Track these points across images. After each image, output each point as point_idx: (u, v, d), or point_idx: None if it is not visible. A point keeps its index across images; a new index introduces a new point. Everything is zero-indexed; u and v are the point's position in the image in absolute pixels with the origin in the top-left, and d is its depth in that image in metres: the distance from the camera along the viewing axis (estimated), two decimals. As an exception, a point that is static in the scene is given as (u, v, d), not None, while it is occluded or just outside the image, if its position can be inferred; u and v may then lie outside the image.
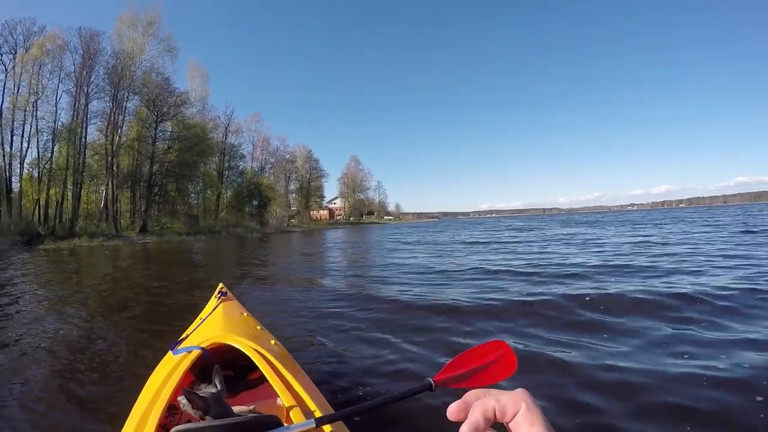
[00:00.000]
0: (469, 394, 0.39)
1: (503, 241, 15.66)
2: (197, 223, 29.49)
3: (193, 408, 1.24)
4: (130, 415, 1.57)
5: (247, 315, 2.88)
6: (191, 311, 3.36)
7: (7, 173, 23.29)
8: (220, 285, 3.43)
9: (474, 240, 17.09)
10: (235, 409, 1.42)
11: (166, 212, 29.17)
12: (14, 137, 23.89)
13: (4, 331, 4.99)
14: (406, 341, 3.63)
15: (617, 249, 10.27)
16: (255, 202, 33.99)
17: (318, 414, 1.42)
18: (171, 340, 2.25)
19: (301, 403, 1.52)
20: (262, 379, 2.00)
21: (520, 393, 0.38)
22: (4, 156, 23.39)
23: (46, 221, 23.98)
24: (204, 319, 2.63)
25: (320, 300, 5.92)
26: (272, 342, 2.24)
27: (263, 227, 32.22)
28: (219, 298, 3.10)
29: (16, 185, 23.75)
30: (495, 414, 0.37)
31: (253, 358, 1.80)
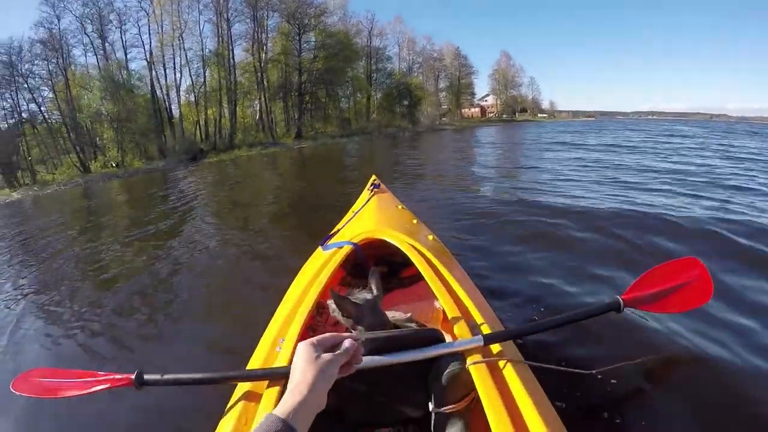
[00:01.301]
0: None
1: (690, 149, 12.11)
2: (349, 126, 30.27)
3: (343, 315, 1.13)
4: (277, 311, 1.57)
5: (402, 208, 2.74)
6: (344, 206, 3.38)
7: (167, 102, 26.46)
8: (373, 177, 3.34)
9: (643, 145, 13.67)
10: (390, 314, 1.25)
11: (318, 118, 30.33)
12: (167, 70, 26.65)
13: (180, 228, 6.12)
14: (579, 251, 3.25)
15: None
16: (405, 102, 33.36)
17: (485, 328, 1.21)
18: (323, 235, 2.19)
19: (464, 311, 1.32)
20: (418, 278, 1.83)
21: None
22: (161, 88, 26.35)
23: (207, 138, 26.58)
24: (356, 213, 2.52)
25: (476, 200, 5.54)
26: (430, 237, 2.06)
27: (414, 126, 31.67)
28: (372, 190, 2.98)
29: (176, 111, 26.85)
30: None
31: (408, 254, 1.66)
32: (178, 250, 4.86)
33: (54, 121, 24.33)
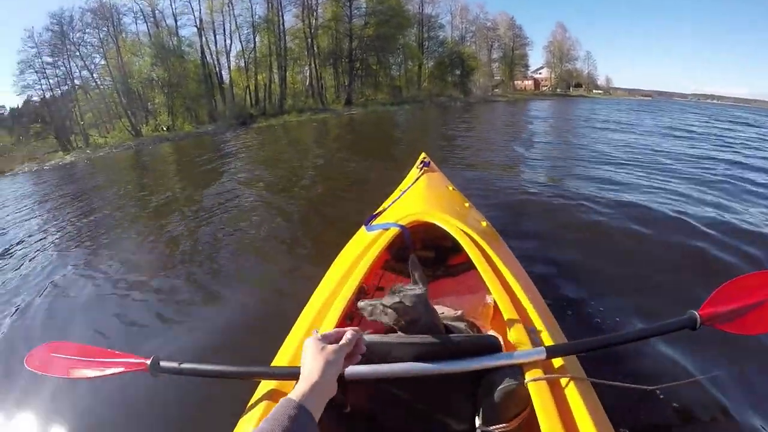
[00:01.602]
0: None
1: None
2: (400, 94, 29.63)
3: (397, 320, 1.01)
4: (313, 296, 1.50)
5: (453, 189, 2.63)
6: (391, 179, 3.24)
7: (217, 68, 26.40)
8: (423, 154, 3.26)
9: (706, 132, 12.00)
10: (438, 310, 1.14)
11: (369, 85, 29.78)
12: (217, 36, 26.44)
13: (223, 191, 6.26)
14: (644, 254, 3.00)
15: None
16: (457, 72, 32.11)
17: (545, 337, 1.12)
18: (369, 210, 2.19)
19: (521, 312, 1.21)
20: (467, 267, 1.83)
21: None
22: (211, 54, 26.30)
23: (256, 103, 26.48)
24: (404, 192, 2.43)
25: (530, 186, 5.07)
26: (483, 224, 1.98)
27: (466, 96, 30.56)
28: (421, 168, 2.88)
29: (226, 77, 26.69)
30: None
31: (459, 240, 1.57)
32: (219, 214, 5.02)
33: (106, 87, 24.65)
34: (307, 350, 0.79)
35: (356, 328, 0.89)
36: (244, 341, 2.28)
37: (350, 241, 2.03)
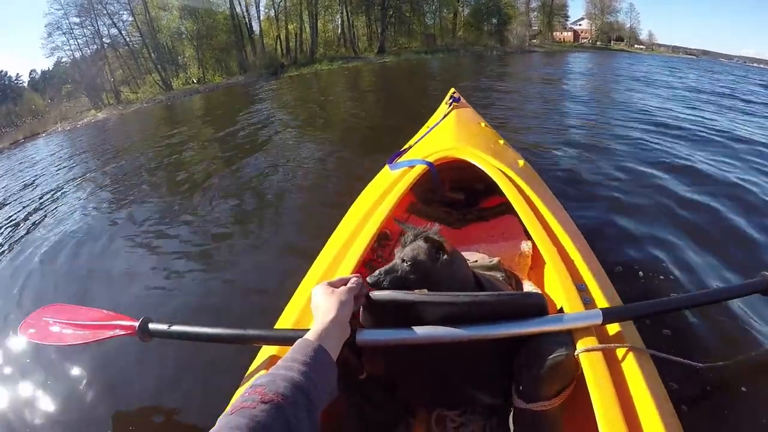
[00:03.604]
0: None
1: None
2: (434, 42, 28.58)
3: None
4: (329, 242, 1.39)
5: (486, 126, 2.47)
6: (419, 120, 3.00)
7: (247, 19, 25.83)
8: (452, 89, 3.13)
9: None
10: (470, 257, 1.07)
11: (402, 33, 28.81)
12: None
13: (251, 138, 6.37)
14: (702, 213, 2.61)
15: None
16: (494, 20, 30.64)
17: (598, 297, 0.96)
18: (391, 150, 2.04)
19: (569, 265, 1.03)
20: (501, 210, 1.75)
21: None
22: (240, 4, 25.72)
23: (288, 53, 26.02)
24: (432, 128, 2.28)
25: (575, 133, 4.78)
26: (521, 163, 1.76)
27: (502, 46, 29.34)
28: (450, 104, 2.70)
29: (256, 28, 26.23)
30: None
31: (496, 179, 1.42)
32: (246, 158, 5.08)
33: (135, 43, 24.55)
34: (317, 294, 0.80)
35: (358, 275, 0.85)
36: (249, 297, 2.15)
37: (372, 181, 1.88)
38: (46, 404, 1.67)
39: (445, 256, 0.85)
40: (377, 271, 0.87)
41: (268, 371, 0.62)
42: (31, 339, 1.21)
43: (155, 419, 1.54)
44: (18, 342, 2.01)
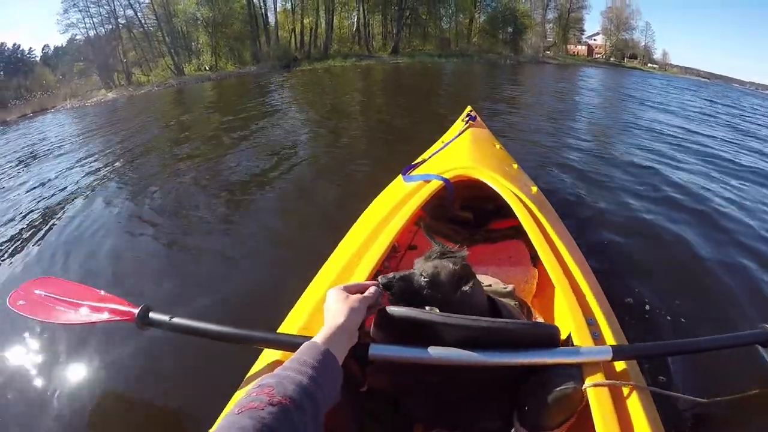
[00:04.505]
0: None
1: None
2: (449, 47, 28.59)
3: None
4: (337, 249, 1.40)
5: (500, 148, 2.48)
6: (434, 132, 3.10)
7: (263, 9, 25.84)
8: (468, 108, 3.11)
9: None
10: (483, 281, 1.02)
11: (417, 35, 28.84)
12: None
13: (258, 130, 6.27)
14: (707, 261, 2.49)
15: None
16: (509, 29, 30.65)
17: (606, 332, 0.97)
18: (407, 160, 2.09)
19: (579, 297, 1.04)
20: (510, 234, 1.76)
21: None
22: None
23: (302, 47, 26.07)
24: (447, 144, 2.30)
25: (592, 164, 4.43)
26: (534, 189, 1.75)
27: (516, 55, 29.32)
28: (467, 122, 2.68)
29: (272, 19, 26.27)
30: None
31: (509, 202, 1.41)
32: (252, 150, 5.08)
33: (150, 26, 24.63)
34: (330, 297, 0.80)
35: (377, 286, 0.84)
36: (256, 295, 2.12)
37: (385, 189, 1.91)
38: (32, 389, 1.64)
39: (468, 288, 0.83)
40: (392, 274, 0.85)
41: (276, 371, 0.62)
42: (20, 311, 1.14)
43: (146, 412, 1.52)
44: (5, 314, 1.79)
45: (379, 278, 0.85)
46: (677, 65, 45.73)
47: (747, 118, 10.48)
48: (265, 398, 0.54)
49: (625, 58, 37.80)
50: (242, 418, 0.51)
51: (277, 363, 0.88)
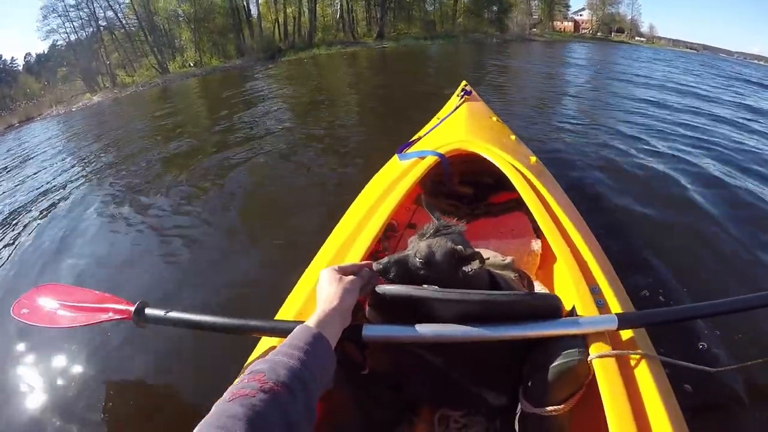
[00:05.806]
0: None
1: None
2: (434, 29, 28.38)
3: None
4: (334, 233, 1.36)
5: (497, 120, 2.43)
6: (426, 111, 3.03)
7: (245, 2, 25.52)
8: (463, 82, 3.07)
9: None
10: (482, 254, 0.85)
11: (401, 19, 28.58)
12: None
13: (247, 123, 6.19)
14: (718, 222, 2.46)
15: None
16: (494, 8, 30.41)
17: (612, 302, 0.92)
18: (401, 141, 2.02)
19: (582, 266, 1.00)
20: (511, 207, 1.75)
21: None
22: None
23: (285, 37, 25.76)
24: (443, 120, 2.27)
25: (585, 129, 4.60)
26: (532, 159, 1.73)
27: (503, 33, 29.17)
28: (462, 97, 2.65)
29: (254, 11, 25.96)
30: None
31: (507, 174, 1.39)
32: (241, 143, 4.99)
33: (131, 26, 24.37)
34: (323, 278, 0.79)
35: (370, 267, 0.83)
36: (247, 287, 2.12)
37: (380, 170, 1.85)
38: (36, 388, 1.65)
39: (470, 270, 0.79)
40: (386, 258, 0.82)
41: (267, 357, 0.61)
42: (24, 320, 1.17)
43: (147, 404, 1.53)
44: (10, 322, 1.87)
45: (374, 264, 0.83)
46: (665, 38, 45.65)
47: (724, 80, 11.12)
48: (257, 385, 0.54)
49: (612, 33, 37.71)
50: (233, 405, 0.50)
51: (274, 350, 0.86)
